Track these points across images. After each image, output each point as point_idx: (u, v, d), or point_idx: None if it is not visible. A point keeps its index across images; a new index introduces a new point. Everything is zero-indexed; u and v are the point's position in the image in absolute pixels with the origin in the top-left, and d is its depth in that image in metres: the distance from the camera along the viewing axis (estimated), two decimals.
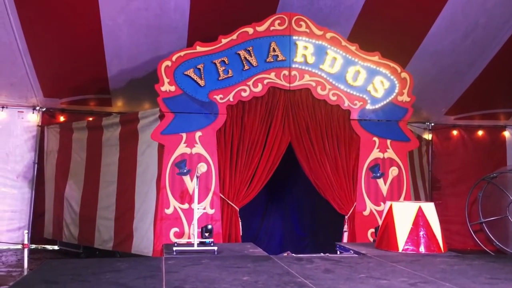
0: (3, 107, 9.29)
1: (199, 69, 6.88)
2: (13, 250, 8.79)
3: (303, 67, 7.20)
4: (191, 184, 6.60)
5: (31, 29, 7.66)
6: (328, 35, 7.27)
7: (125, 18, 7.64)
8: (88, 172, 8.35)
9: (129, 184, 7.37)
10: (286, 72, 7.14)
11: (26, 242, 6.00)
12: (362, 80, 7.33)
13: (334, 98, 7.27)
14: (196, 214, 5.87)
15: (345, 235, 7.14)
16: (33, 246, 8.98)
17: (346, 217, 7.18)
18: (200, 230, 5.96)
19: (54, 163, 9.10)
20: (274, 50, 7.10)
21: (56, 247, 9.20)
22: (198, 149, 6.79)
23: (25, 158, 9.39)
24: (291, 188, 8.83)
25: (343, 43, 7.33)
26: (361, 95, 7.35)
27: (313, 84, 7.21)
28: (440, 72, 9.03)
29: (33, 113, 9.46)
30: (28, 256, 6.00)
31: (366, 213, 7.16)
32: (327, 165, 7.19)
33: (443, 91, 9.52)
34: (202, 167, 6.17)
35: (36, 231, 9.10)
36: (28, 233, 6.46)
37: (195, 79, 6.86)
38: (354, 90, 7.33)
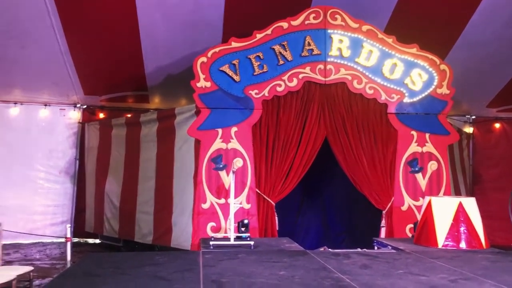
0: (46, 105, 9.60)
1: (234, 64, 6.90)
2: (57, 243, 9.10)
3: (339, 61, 7.11)
4: (227, 179, 6.64)
5: (71, 29, 7.88)
6: (364, 27, 7.16)
7: (161, 14, 7.75)
8: (127, 168, 8.54)
9: (167, 179, 7.49)
10: (321, 66, 7.08)
11: (68, 235, 6.21)
12: (399, 73, 7.19)
13: (370, 92, 7.17)
14: (233, 209, 5.90)
15: (383, 230, 7.05)
16: (76, 239, 9.24)
17: (384, 212, 7.08)
18: (236, 224, 5.99)
19: (95, 159, 9.35)
20: (309, 44, 7.04)
21: (97, 241, 9.47)
22: (234, 144, 6.82)
23: (67, 154, 9.70)
24: (327, 183, 8.76)
25: (380, 35, 7.20)
26: (398, 88, 7.22)
27: (349, 77, 7.12)
28: (481, 63, 8.76)
29: (74, 110, 9.75)
30: (71, 249, 6.19)
31: (404, 208, 7.05)
32: (363, 160, 7.09)
33: (484, 82, 9.25)
34: (238, 162, 6.22)
35: (78, 225, 9.40)
36: (70, 227, 6.68)
37: (231, 74, 6.88)
38: (391, 83, 7.21)
